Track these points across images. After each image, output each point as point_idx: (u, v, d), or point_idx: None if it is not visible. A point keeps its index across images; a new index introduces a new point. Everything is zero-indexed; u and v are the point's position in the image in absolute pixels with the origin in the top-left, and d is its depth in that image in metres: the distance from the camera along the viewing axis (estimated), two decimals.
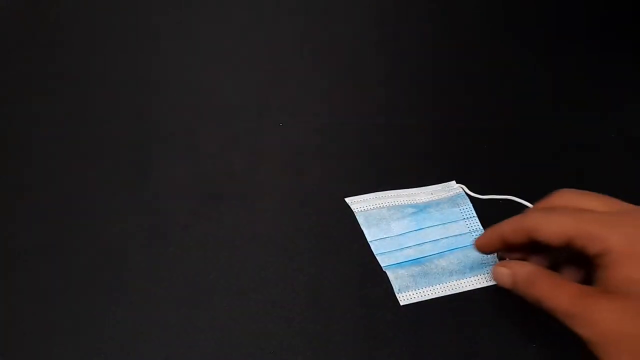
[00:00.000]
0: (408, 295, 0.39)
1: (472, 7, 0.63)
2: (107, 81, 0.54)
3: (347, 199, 0.44)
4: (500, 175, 0.46)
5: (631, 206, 0.32)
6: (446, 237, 0.42)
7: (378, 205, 0.44)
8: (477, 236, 0.40)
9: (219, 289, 0.39)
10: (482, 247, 0.37)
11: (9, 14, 0.61)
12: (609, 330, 0.28)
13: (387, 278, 0.39)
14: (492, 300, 0.39)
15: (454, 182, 0.45)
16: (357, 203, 0.44)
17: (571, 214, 0.32)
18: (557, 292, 0.31)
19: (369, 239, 0.42)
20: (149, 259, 0.41)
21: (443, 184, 0.45)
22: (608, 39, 0.59)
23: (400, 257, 0.41)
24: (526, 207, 0.43)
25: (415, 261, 0.41)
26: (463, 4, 0.64)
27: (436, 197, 0.44)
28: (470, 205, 0.44)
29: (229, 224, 0.43)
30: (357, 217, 0.43)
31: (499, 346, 0.36)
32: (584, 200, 0.33)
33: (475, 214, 0.43)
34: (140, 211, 0.43)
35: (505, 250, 0.37)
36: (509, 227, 0.35)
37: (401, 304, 0.38)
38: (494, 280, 0.36)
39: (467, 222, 0.43)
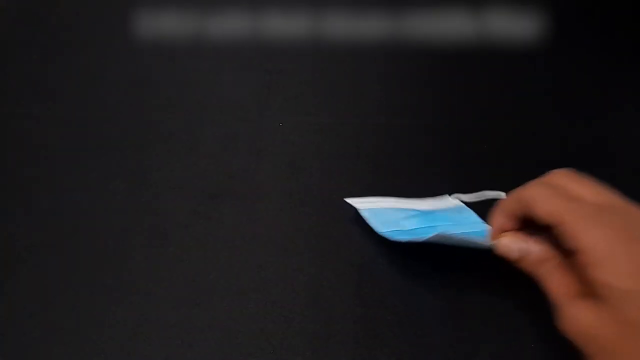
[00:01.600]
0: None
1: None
2: (107, 81, 0.54)
3: (347, 200, 0.44)
4: (500, 176, 0.46)
5: (619, 201, 0.32)
6: (462, 231, 0.39)
7: (381, 207, 0.43)
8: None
9: (219, 289, 0.39)
10: (499, 228, 0.36)
11: (9, 14, 0.61)
12: (586, 333, 0.29)
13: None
14: (493, 300, 0.39)
15: (447, 195, 0.44)
16: (360, 203, 0.43)
17: (563, 199, 0.32)
18: (556, 281, 0.32)
19: (379, 230, 0.40)
20: (149, 259, 0.41)
21: (438, 196, 0.44)
22: (608, 39, 0.59)
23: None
24: None
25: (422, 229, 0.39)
26: (463, 3, 0.64)
27: (437, 207, 0.43)
28: (476, 215, 0.41)
29: (229, 224, 0.43)
30: (361, 213, 0.42)
31: (498, 346, 0.36)
32: (576, 186, 0.33)
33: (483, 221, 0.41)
34: (140, 211, 0.43)
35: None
36: (511, 199, 0.35)
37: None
38: (498, 248, 0.35)
39: (482, 225, 0.40)
